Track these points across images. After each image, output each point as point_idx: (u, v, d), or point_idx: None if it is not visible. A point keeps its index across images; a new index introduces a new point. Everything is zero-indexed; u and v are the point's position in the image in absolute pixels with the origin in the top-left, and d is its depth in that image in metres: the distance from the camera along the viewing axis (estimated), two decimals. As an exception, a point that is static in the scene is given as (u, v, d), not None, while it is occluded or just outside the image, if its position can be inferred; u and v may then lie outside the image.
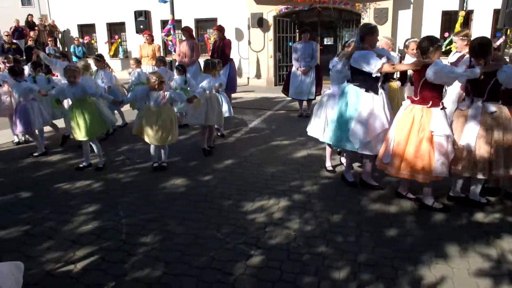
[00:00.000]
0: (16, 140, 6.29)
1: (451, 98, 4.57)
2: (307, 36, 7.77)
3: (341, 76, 4.52)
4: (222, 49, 8.25)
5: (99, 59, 6.65)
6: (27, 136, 6.27)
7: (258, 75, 13.72)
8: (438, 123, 3.53)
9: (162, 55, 9.69)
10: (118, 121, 6.52)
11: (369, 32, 4.00)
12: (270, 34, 13.16)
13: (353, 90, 4.07)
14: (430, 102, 3.57)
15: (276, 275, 2.76)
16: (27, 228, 3.48)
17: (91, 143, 5.01)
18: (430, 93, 3.57)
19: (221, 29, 8.39)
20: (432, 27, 12.02)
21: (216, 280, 2.70)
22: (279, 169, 4.92)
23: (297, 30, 12.95)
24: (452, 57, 5.02)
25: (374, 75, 3.84)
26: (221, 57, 8.11)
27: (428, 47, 3.55)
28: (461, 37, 4.79)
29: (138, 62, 7.20)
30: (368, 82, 3.98)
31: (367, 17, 12.01)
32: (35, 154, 5.60)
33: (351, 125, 4.06)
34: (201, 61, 6.58)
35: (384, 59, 3.83)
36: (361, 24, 12.05)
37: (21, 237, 3.33)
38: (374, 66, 3.79)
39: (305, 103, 8.24)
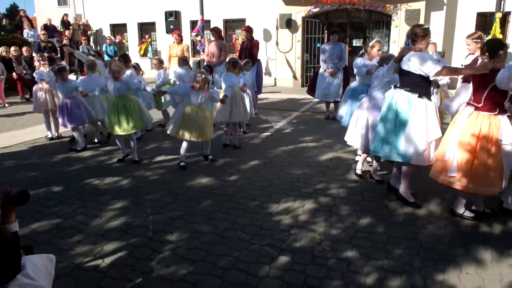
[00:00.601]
0: (49, 135, 6.50)
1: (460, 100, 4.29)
2: (336, 37, 7.68)
3: (384, 81, 4.23)
4: (250, 50, 8.27)
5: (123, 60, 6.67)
6: (60, 132, 6.49)
7: (285, 76, 13.68)
8: (507, 131, 3.33)
9: (190, 55, 9.82)
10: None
11: (424, 34, 3.65)
12: (298, 35, 13.10)
13: (403, 96, 3.74)
14: (497, 109, 3.35)
15: (300, 279, 2.73)
16: (58, 221, 3.59)
17: (130, 138, 5.19)
18: (497, 99, 3.34)
19: (249, 30, 8.43)
20: (466, 29, 11.62)
21: (240, 281, 2.70)
22: (305, 171, 4.88)
23: (326, 31, 12.83)
24: (466, 60, 4.88)
25: (431, 78, 3.62)
26: (249, 58, 8.12)
27: (497, 50, 3.31)
28: (475, 40, 4.65)
29: (160, 62, 7.17)
30: (422, 87, 3.68)
31: (398, 19, 11.77)
32: (78, 148, 5.78)
33: (402, 135, 3.73)
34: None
35: (444, 62, 3.65)
36: (390, 24, 11.82)
37: (52, 230, 3.44)
38: (433, 69, 3.50)
39: (332, 105, 8.15)
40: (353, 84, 5.62)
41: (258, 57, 8.56)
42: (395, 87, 3.91)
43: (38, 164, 5.23)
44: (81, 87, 5.62)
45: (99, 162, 5.32)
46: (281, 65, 13.66)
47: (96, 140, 6.22)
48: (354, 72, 5.47)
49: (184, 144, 5.00)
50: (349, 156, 5.50)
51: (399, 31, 11.67)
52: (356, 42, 13.43)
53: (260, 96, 10.94)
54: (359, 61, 5.33)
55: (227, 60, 7.16)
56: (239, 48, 8.63)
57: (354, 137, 4.60)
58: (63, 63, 6.67)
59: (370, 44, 5.27)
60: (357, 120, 4.56)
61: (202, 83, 4.83)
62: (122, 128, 5.02)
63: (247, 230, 3.41)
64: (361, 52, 5.53)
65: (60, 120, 5.82)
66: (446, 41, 11.64)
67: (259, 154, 5.62)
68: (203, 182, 4.54)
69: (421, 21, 11.51)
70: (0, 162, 5.31)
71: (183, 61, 7.28)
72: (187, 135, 4.90)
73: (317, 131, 6.96)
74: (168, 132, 5.03)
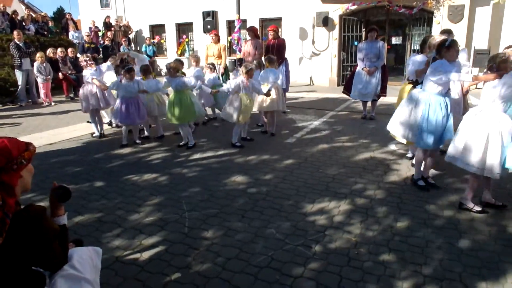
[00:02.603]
0: (97, 133, 6.63)
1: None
2: (374, 35, 7.51)
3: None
4: (277, 49, 8.26)
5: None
6: (104, 130, 6.73)
7: (321, 75, 13.54)
8: None
9: (227, 54, 9.95)
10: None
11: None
12: (335, 33, 12.93)
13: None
14: None
15: (335, 281, 2.69)
16: (99, 215, 3.73)
17: (182, 126, 5.93)
18: None
19: (276, 29, 8.45)
20: (514, 25, 11.07)
21: (275, 281, 2.70)
22: (340, 172, 4.81)
23: (364, 29, 12.58)
24: None
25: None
26: (276, 56, 8.14)
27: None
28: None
29: (198, 60, 7.37)
30: None
31: (440, 15, 11.33)
32: (138, 141, 6.21)
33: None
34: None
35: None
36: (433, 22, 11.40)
37: (94, 223, 3.58)
38: None
39: (369, 104, 7.98)
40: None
41: (286, 56, 8.54)
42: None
43: (81, 160, 5.46)
44: (145, 87, 6.13)
45: (138, 159, 5.48)
46: (317, 64, 13.52)
47: (146, 134, 6.64)
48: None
49: (238, 129, 5.97)
50: (386, 156, 5.36)
51: (441, 28, 11.19)
52: (396, 40, 13.06)
53: (295, 95, 10.92)
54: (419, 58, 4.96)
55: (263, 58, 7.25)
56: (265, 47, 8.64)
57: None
58: (105, 64, 6.96)
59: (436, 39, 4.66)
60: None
61: (252, 74, 5.77)
62: (176, 118, 5.79)
63: (281, 229, 3.40)
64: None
65: (109, 116, 6.19)
66: (492, 39, 11.09)
67: (294, 153, 5.59)
68: (238, 180, 4.57)
69: (465, 18, 11.05)
70: (46, 157, 5.58)
71: (213, 68, 7.57)
72: (243, 120, 5.84)
73: (353, 131, 6.84)
74: (234, 120, 5.78)
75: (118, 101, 6.16)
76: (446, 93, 4.06)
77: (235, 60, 11.45)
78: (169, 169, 5.01)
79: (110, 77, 6.87)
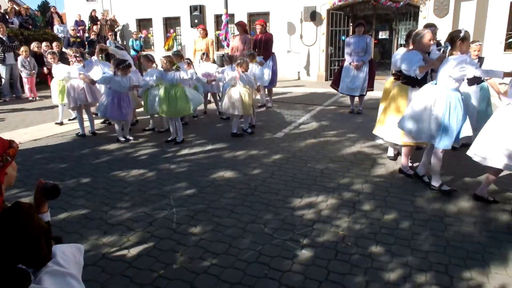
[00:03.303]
0: (81, 132, 6.37)
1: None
2: (361, 29, 7.53)
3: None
4: (264, 43, 8.24)
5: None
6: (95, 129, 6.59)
7: (308, 70, 13.55)
8: None
9: (214, 49, 9.88)
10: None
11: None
12: (323, 28, 12.93)
13: None
14: None
15: (323, 274, 2.71)
16: (85, 212, 3.68)
17: (173, 120, 5.90)
18: None
19: (264, 24, 8.44)
20: (498, 21, 11.22)
21: (263, 275, 2.70)
22: (328, 166, 4.83)
23: (351, 24, 12.61)
24: None
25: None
26: (264, 51, 8.14)
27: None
28: None
29: (189, 61, 7.23)
30: None
31: (426, 10, 11.42)
32: (129, 137, 6.15)
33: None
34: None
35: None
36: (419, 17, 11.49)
37: (80, 220, 3.53)
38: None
39: (356, 99, 8.02)
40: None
41: (274, 51, 8.53)
42: None
43: (67, 156, 5.37)
44: (138, 82, 6.16)
45: (125, 154, 5.42)
46: (305, 58, 13.53)
47: (149, 127, 6.70)
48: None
49: (237, 121, 6.26)
50: (374, 151, 5.40)
51: (427, 22, 11.30)
52: (382, 35, 13.14)
53: (283, 90, 10.92)
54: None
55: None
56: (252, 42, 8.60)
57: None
58: (94, 58, 6.82)
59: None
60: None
61: (246, 67, 6.03)
62: (170, 112, 5.77)
63: (270, 224, 3.40)
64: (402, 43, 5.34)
65: (96, 110, 6.21)
66: (477, 33, 11.23)
67: (282, 148, 5.59)
68: (226, 176, 4.56)
69: (451, 12, 11.15)
70: (31, 154, 5.49)
71: (207, 59, 7.54)
72: (244, 112, 6.12)
73: (341, 125, 6.87)
74: (235, 112, 6.04)
75: (104, 96, 6.07)
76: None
77: (223, 55, 11.41)
78: (157, 164, 4.97)
79: (95, 72, 6.74)
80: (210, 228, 3.36)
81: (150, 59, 6.46)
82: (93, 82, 6.25)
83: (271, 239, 3.15)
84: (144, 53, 16.30)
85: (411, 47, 4.47)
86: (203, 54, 7.68)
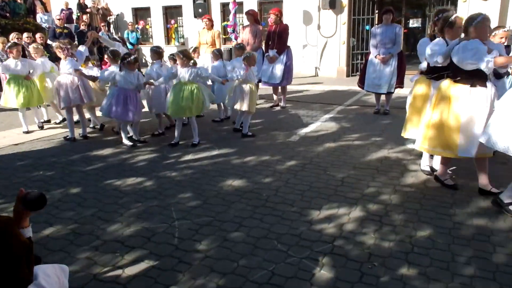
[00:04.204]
0: (70, 136, 6.35)
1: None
2: (390, 17, 7.49)
3: None
4: (279, 35, 8.25)
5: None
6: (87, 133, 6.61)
7: (327, 65, 13.52)
8: None
9: (221, 42, 9.91)
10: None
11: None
12: (344, 16, 12.91)
13: None
14: None
15: (346, 299, 2.67)
16: (74, 226, 3.69)
17: (192, 120, 6.11)
18: None
19: (278, 13, 8.43)
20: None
21: (276, 299, 2.67)
22: (350, 174, 4.79)
23: (377, 11, 12.55)
24: None
25: None
26: (278, 44, 8.13)
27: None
28: None
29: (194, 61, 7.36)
30: None
31: (466, -8, 11.23)
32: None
33: None
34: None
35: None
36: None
37: (68, 236, 3.53)
38: None
39: (383, 97, 7.96)
40: None
41: (289, 44, 8.53)
42: None
43: (53, 163, 5.42)
44: (145, 79, 6.28)
45: (121, 161, 5.45)
46: (323, 52, 13.51)
47: (159, 131, 6.73)
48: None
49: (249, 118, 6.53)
50: (403, 156, 5.35)
51: (468, 7, 11.06)
52: (413, 23, 13.02)
53: (298, 88, 10.92)
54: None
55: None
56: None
57: None
58: (82, 48, 6.72)
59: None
60: None
61: (252, 61, 6.33)
62: (188, 111, 5.93)
63: (284, 240, 3.38)
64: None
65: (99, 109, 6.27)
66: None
67: (297, 153, 5.58)
68: (235, 185, 4.55)
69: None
70: (12, 160, 5.54)
71: (218, 55, 7.55)
72: (252, 108, 6.47)
73: (365, 128, 6.83)
74: (245, 109, 6.30)
75: (109, 94, 6.08)
76: None
77: (230, 48, 11.45)
78: (157, 172, 4.98)
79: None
80: (216, 244, 3.34)
81: (159, 52, 6.62)
82: (94, 79, 6.29)
83: (285, 257, 3.13)
84: (141, 46, 16.56)
85: (447, 35, 4.38)
86: (214, 51, 7.66)
